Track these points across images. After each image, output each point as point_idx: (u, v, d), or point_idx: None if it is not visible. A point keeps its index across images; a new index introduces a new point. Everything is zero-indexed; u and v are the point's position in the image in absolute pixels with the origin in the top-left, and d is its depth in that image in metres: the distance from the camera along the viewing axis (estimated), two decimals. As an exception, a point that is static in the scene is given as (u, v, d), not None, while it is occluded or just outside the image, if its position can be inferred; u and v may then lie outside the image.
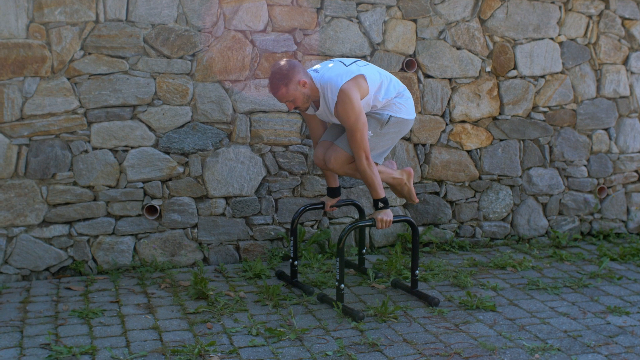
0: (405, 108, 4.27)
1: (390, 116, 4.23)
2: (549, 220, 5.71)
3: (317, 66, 4.23)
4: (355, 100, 3.98)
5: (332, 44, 5.04)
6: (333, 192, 4.56)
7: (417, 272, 4.38)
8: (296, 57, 4.99)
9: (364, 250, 4.81)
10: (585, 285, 4.65)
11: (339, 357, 3.56)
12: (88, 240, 4.74)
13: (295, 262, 4.56)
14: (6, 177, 4.54)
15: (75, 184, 4.68)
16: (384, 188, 4.98)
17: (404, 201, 5.34)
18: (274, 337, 3.77)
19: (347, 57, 5.07)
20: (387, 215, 4.17)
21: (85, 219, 4.72)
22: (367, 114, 4.21)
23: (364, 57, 5.12)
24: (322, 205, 4.61)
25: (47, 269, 4.69)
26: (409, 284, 4.47)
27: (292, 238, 4.54)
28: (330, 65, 4.17)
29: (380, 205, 4.19)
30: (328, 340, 3.75)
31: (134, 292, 4.42)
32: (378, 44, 5.15)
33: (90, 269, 4.76)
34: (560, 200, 5.72)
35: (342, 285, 4.13)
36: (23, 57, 4.48)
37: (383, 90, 4.17)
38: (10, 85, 4.49)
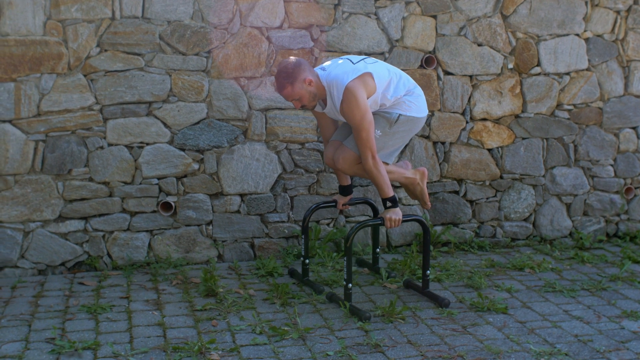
0: (415, 106, 4.21)
1: (400, 115, 4.17)
2: (573, 221, 5.57)
3: (326, 63, 4.19)
4: (360, 99, 3.93)
5: (350, 41, 5.00)
6: (345, 190, 4.52)
7: (429, 272, 4.32)
8: (313, 53, 4.96)
9: (378, 250, 4.75)
10: (604, 289, 4.53)
11: (339, 357, 3.52)
12: (103, 236, 4.79)
13: (306, 261, 4.53)
14: (23, 172, 4.61)
15: (90, 179, 4.72)
16: (397, 187, 4.94)
17: (422, 200, 5.26)
18: (277, 336, 3.75)
19: (365, 54, 5.02)
20: (396, 214, 4.12)
21: (100, 215, 4.77)
22: (376, 113, 4.16)
23: (382, 54, 5.06)
24: (334, 204, 4.57)
25: (62, 264, 4.74)
26: (422, 284, 4.40)
27: (303, 236, 4.52)
28: (340, 62, 4.13)
29: (389, 204, 4.13)
30: (331, 340, 3.72)
31: (145, 288, 4.45)
32: (397, 41, 5.09)
33: (105, 264, 4.81)
34: (585, 200, 5.58)
35: (350, 285, 4.10)
36: (40, 53, 4.54)
37: (392, 88, 4.11)
38: (28, 81, 4.55)
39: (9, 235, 4.62)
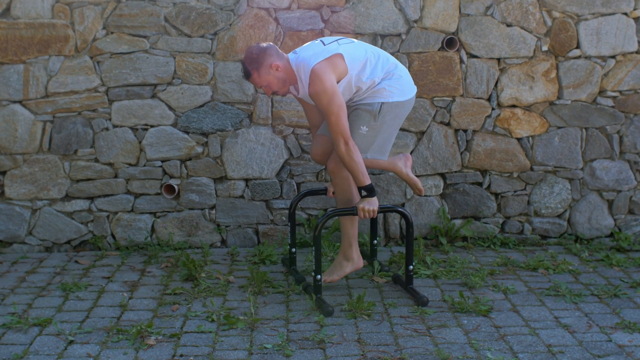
0: (397, 90, 3.91)
1: (382, 103, 3.89)
2: (615, 220, 5.03)
3: (301, 47, 3.99)
4: (327, 81, 3.70)
5: (363, 22, 4.76)
6: (336, 178, 4.31)
7: (412, 267, 4.04)
8: (323, 35, 4.76)
9: (375, 241, 4.51)
10: (617, 295, 4.04)
11: (275, 351, 3.36)
12: (107, 216, 4.85)
13: (293, 249, 4.37)
14: (31, 152, 4.74)
15: (96, 160, 4.79)
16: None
17: (440, 191, 4.94)
18: (226, 325, 3.63)
19: (380, 35, 4.77)
20: (371, 204, 3.87)
21: (105, 195, 4.83)
22: (357, 108, 3.91)
23: (398, 35, 4.78)
24: (324, 191, 4.38)
25: (68, 242, 4.85)
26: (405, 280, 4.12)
27: (289, 223, 4.36)
28: (315, 44, 3.92)
29: (364, 193, 3.89)
30: (279, 332, 3.55)
31: (133, 270, 4.46)
32: (415, 21, 4.79)
33: (109, 244, 4.87)
34: (631, 197, 5.02)
35: (319, 276, 3.90)
36: (48, 36, 4.64)
37: (368, 69, 3.84)
38: (36, 63, 4.67)
39: (17, 212, 4.77)
